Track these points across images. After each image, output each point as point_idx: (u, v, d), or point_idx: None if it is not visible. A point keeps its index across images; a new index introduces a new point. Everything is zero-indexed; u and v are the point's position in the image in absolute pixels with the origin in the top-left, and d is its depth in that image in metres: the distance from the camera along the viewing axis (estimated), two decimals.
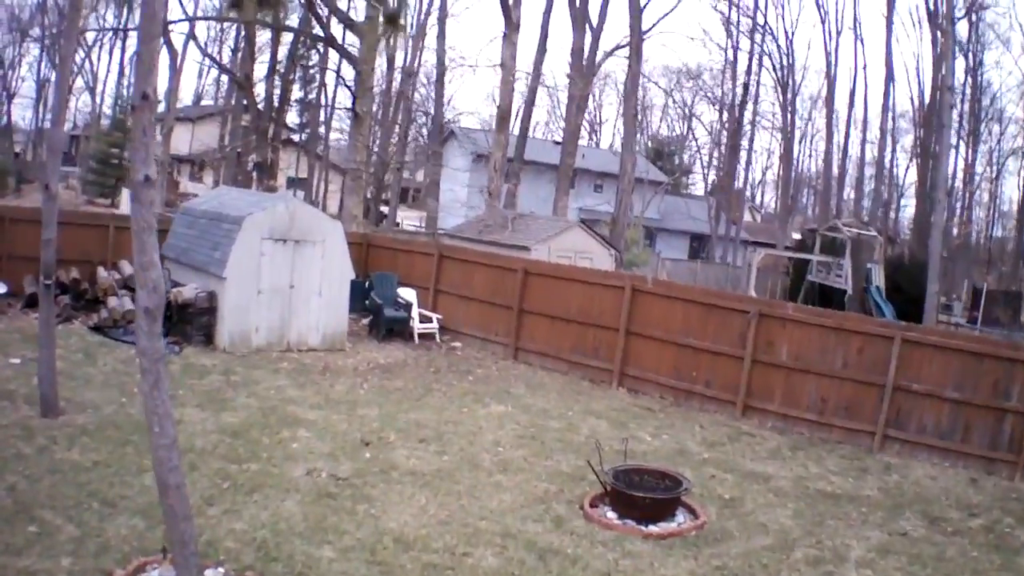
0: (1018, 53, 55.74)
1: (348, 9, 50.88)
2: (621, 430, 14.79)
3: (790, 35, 56.26)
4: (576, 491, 11.36)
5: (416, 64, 54.45)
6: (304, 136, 61.79)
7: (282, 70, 45.79)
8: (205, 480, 10.07)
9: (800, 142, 64.81)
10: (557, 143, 56.73)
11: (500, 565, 8.88)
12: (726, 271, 48.93)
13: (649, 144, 76.91)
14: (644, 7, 40.57)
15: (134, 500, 9.33)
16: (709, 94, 66.55)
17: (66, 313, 18.42)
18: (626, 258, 31.14)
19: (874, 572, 9.77)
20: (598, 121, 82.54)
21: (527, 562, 9.02)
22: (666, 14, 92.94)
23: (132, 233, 6.93)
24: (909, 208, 65.54)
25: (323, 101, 59.99)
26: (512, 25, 33.30)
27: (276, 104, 45.28)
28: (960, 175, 55.11)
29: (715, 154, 72.75)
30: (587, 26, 41.11)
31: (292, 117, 56.50)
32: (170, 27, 46.48)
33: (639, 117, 45.25)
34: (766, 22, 56.09)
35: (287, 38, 45.94)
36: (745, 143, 61.08)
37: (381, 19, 29.38)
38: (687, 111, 72.89)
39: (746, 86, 57.03)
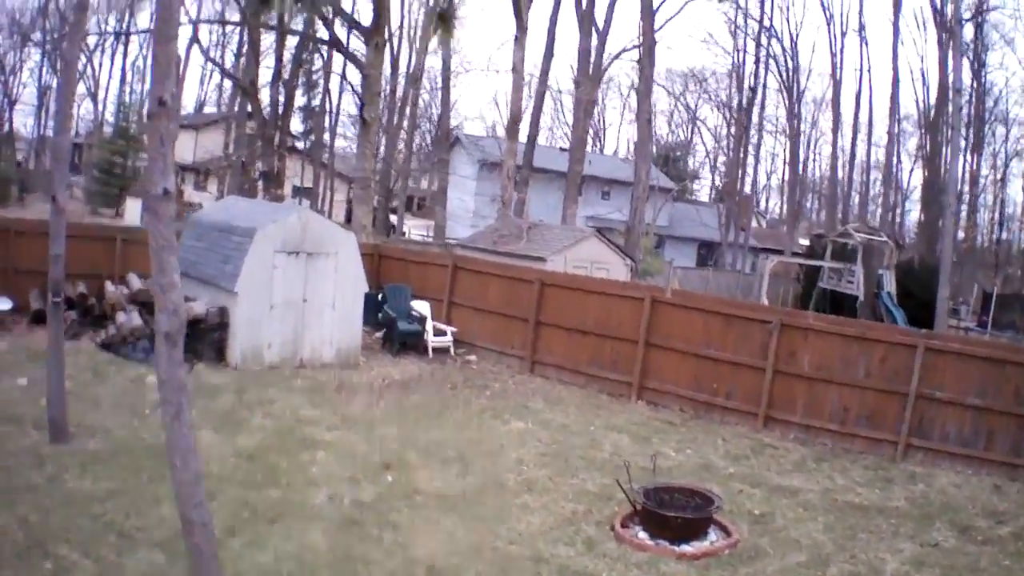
0: (1022, 53, 55.63)
1: (352, 11, 50.69)
2: (644, 445, 14.55)
3: (795, 37, 55.94)
4: (605, 511, 11.10)
5: (420, 69, 54.09)
6: (308, 144, 61.57)
7: (287, 75, 45.43)
8: (225, 509, 9.72)
9: (806, 146, 64.49)
10: (563, 150, 56.46)
11: None
12: (737, 278, 48.65)
13: (654, 150, 76.56)
14: (657, 9, 40.21)
15: (152, 532, 9.01)
16: (714, 98, 66.34)
17: (73, 330, 18.00)
18: (640, 267, 30.79)
19: None
20: (602, 127, 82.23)
21: None
22: (671, 17, 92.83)
23: (150, 251, 6.65)
24: (913, 212, 65.54)
25: (327, 107, 59.84)
26: (523, 28, 32.97)
27: (281, 110, 44.98)
28: (966, 178, 54.80)
29: (720, 159, 72.62)
30: (593, 29, 40.73)
31: (295, 124, 56.26)
32: None
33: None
34: (771, 25, 55.86)
35: (291, 42, 45.65)
36: (752, 147, 60.78)
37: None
38: (692, 116, 72.60)
39: (753, 89, 56.77)
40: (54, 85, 69.65)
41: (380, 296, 21.60)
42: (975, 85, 51.36)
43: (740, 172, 60.32)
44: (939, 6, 47.41)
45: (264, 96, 44.99)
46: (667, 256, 51.98)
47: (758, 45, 56.26)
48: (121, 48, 66.54)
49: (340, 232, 19.64)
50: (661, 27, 44.63)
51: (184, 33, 77.13)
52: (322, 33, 40.30)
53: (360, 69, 30.22)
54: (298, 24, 38.64)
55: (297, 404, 15.14)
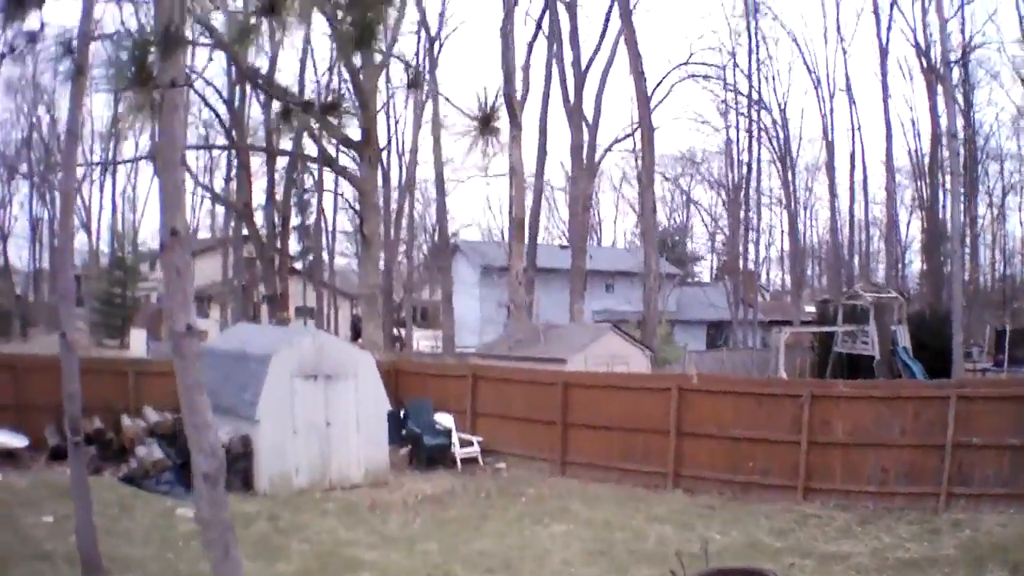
0: (1009, 85, 56.00)
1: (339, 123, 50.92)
2: (688, 532, 14.38)
3: (783, 106, 56.27)
4: None
5: (412, 179, 54.50)
6: (307, 263, 61.77)
7: (280, 195, 45.69)
8: None
9: (804, 211, 64.76)
10: (563, 247, 56.49)
11: None
12: (751, 355, 48.46)
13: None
14: (652, 96, 40.58)
15: None
16: (709, 178, 66.74)
17: (94, 464, 17.67)
18: (659, 356, 30.69)
19: None
20: (597, 219, 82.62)
21: None
22: (660, 101, 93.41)
23: (179, 390, 6.54)
24: (914, 263, 65.52)
25: (323, 225, 60.11)
26: (518, 126, 33.25)
27: (279, 231, 45.17)
28: (965, 220, 54.76)
29: (718, 238, 72.72)
30: (583, 123, 41.01)
31: (292, 244, 56.43)
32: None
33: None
34: (760, 97, 56.28)
35: (282, 162, 46.03)
36: (752, 222, 60.94)
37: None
38: (686, 198, 72.99)
39: (748, 165, 57.15)
40: (45, 217, 69.64)
41: (402, 413, 21.48)
42: (965, 126, 51.65)
43: (743, 249, 60.41)
44: (925, 52, 47.79)
45: (258, 218, 45.23)
46: (678, 341, 51.79)
47: (750, 120, 56.74)
48: (109, 178, 66.60)
49: (357, 352, 19.67)
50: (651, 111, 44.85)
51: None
52: (311, 150, 40.81)
53: (355, 185, 30.40)
54: (286, 143, 39.05)
55: (333, 526, 14.93)
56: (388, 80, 49.30)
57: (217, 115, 42.91)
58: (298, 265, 58.87)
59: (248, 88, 41.42)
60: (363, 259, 30.35)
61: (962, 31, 47.87)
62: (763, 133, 57.22)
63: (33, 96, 64.08)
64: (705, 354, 49.31)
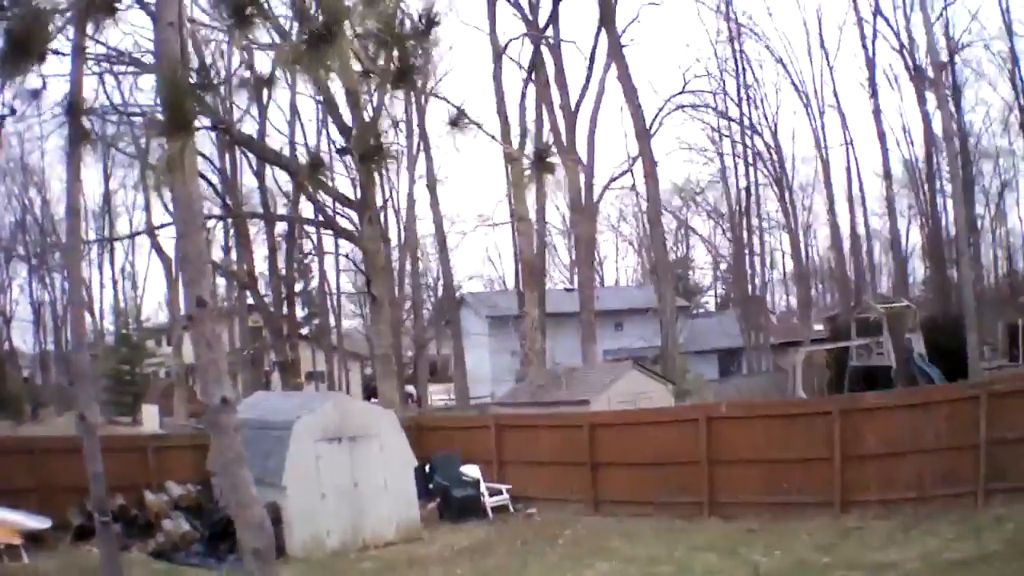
0: (996, 82, 56.26)
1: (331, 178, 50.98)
2: (733, 558, 14.24)
3: (774, 128, 56.31)
4: None
5: (412, 236, 54.55)
6: (314, 328, 61.59)
7: (282, 261, 45.64)
8: None
9: (804, 232, 64.66)
10: (568, 290, 56.48)
11: None
12: (768, 378, 48.30)
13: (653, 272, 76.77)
14: (652, 132, 40.54)
15: None
16: (707, 208, 66.75)
17: (120, 542, 17.51)
18: (680, 389, 30.48)
19: None
20: (598, 260, 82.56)
21: None
22: (650, 136, 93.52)
23: (220, 467, 6.40)
24: (917, 270, 65.47)
25: (325, 289, 60.11)
26: (520, 173, 33.22)
27: (285, 297, 45.06)
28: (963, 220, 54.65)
29: (721, 266, 72.64)
30: (579, 165, 40.96)
31: (297, 310, 56.34)
32: (157, 233, 46.71)
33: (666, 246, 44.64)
34: (752, 123, 56.41)
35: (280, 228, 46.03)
36: (755, 247, 60.93)
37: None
38: (687, 229, 72.92)
39: (747, 190, 57.15)
40: (47, 299, 69.99)
41: (427, 467, 21.32)
42: (957, 128, 51.74)
43: (750, 274, 60.36)
44: (912, 57, 47.89)
45: (260, 286, 45.19)
46: (691, 372, 51.60)
47: (744, 146, 56.86)
48: (107, 256, 66.19)
49: (379, 412, 19.64)
50: (637, 158, 44.84)
51: (170, 231, 77.52)
52: (308, 212, 40.78)
53: (359, 246, 30.30)
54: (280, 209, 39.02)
55: None
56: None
57: (211, 184, 42.90)
58: (305, 331, 58.82)
59: (240, 157, 41.58)
60: (374, 319, 30.12)
61: (946, 34, 47.98)
62: (757, 157, 57.37)
63: (23, 179, 64.49)
64: (722, 383, 49.08)
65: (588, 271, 43.34)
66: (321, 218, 35.78)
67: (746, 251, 59.65)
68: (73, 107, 9.62)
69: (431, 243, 60.35)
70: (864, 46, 52.08)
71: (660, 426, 19.28)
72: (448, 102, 36.41)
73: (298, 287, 55.17)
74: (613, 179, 46.09)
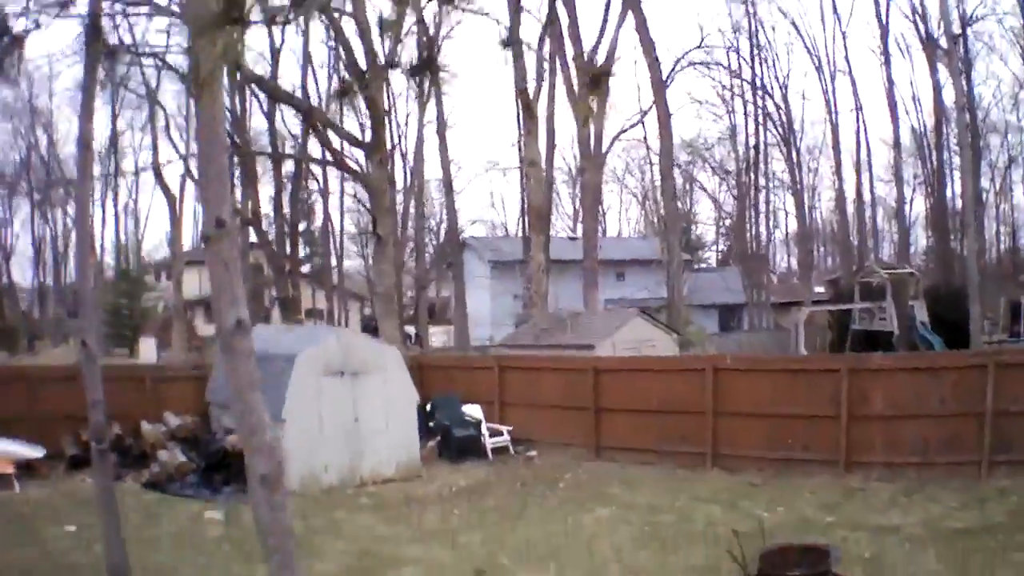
0: (1008, 57, 55.72)
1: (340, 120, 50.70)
2: (735, 511, 14.16)
3: (785, 89, 55.91)
4: None
5: (419, 179, 54.33)
6: (315, 267, 61.51)
7: (287, 201, 45.51)
8: None
9: (809, 193, 64.37)
10: (572, 238, 56.24)
11: None
12: (770, 336, 48.26)
13: (658, 224, 76.36)
14: (668, 83, 40.06)
15: None
16: (713, 164, 66.34)
17: (114, 472, 17.45)
18: (683, 340, 30.42)
19: None
20: (601, 210, 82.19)
21: None
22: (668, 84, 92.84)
23: (233, 391, 6.18)
24: (919, 239, 65.41)
25: (328, 229, 59.99)
26: (534, 119, 33.02)
27: (287, 235, 44.96)
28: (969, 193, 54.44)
29: (726, 222, 72.33)
30: (589, 112, 40.57)
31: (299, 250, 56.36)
32: (162, 167, 46.54)
33: (676, 199, 44.13)
34: (762, 83, 56.03)
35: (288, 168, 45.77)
36: (761, 206, 60.74)
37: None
38: (692, 184, 72.57)
39: (756, 148, 56.82)
40: (47, 236, 70.70)
41: (428, 407, 21.23)
42: (966, 100, 51.41)
43: (754, 231, 60.19)
44: (925, 27, 47.46)
45: (264, 224, 45.10)
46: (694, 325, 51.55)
47: (755, 106, 56.50)
48: (111, 194, 65.88)
49: (383, 348, 19.44)
50: (649, 109, 44.40)
51: (175, 169, 77.21)
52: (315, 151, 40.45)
53: (366, 186, 30.15)
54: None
55: (369, 523, 14.61)
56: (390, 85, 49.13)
57: None
58: (305, 269, 58.78)
59: (250, 99, 41.38)
60: (377, 258, 30.04)
61: (959, 6, 47.50)
62: (767, 117, 57.04)
63: (31, 118, 64.39)
64: (722, 337, 49.06)
65: (593, 219, 42.99)
66: (330, 158, 35.47)
67: (751, 208, 59.47)
68: (92, 18, 9.42)
69: (436, 188, 60.38)
70: (877, 14, 51.66)
71: (666, 375, 19.17)
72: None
73: (301, 227, 55.09)
74: (623, 131, 45.79)
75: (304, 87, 45.28)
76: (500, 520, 14.47)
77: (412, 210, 56.43)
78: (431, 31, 40.20)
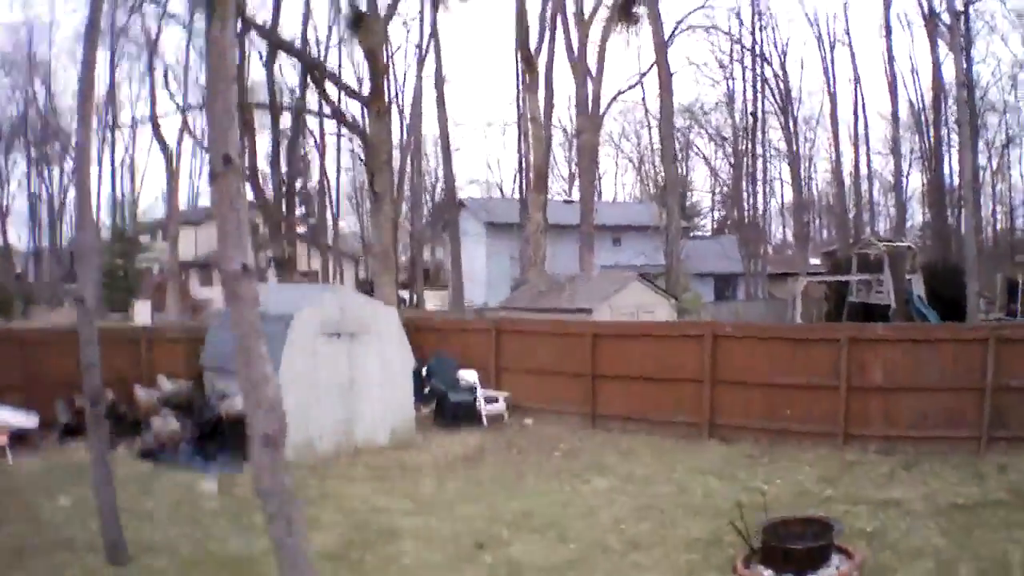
0: (1008, 37, 55.39)
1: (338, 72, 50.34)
2: (733, 483, 14.10)
3: (783, 57, 55.72)
4: (720, 555, 10.49)
5: (417, 136, 54.00)
6: (310, 226, 61.21)
7: (284, 156, 45.12)
8: None
9: (806, 165, 64.23)
10: (567, 202, 56.06)
11: None
12: (766, 305, 48.23)
13: (652, 189, 76.02)
14: (669, 42, 39.70)
15: None
16: (710, 130, 66.05)
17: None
18: (680, 307, 30.25)
19: None
20: (597, 175, 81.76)
21: None
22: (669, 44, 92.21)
23: (236, 340, 5.99)
24: (915, 215, 65.34)
25: (324, 187, 59.63)
26: (535, 74, 32.68)
27: (284, 192, 44.64)
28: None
29: (721, 190, 72.14)
30: (587, 75, 40.21)
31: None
32: (159, 121, 46.18)
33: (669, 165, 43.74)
34: (761, 50, 55.77)
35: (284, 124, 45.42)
36: (757, 174, 60.54)
37: None
38: (688, 150, 72.24)
39: (754, 115, 56.59)
40: (44, 195, 70.19)
41: (423, 370, 20.97)
42: (966, 78, 51.23)
43: (751, 200, 60.03)
44: (929, 4, 47.17)
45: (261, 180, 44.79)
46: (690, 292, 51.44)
47: (753, 72, 56.22)
48: (107, 149, 65.21)
49: (380, 308, 19.04)
50: (649, 69, 44.01)
51: (172, 123, 76.59)
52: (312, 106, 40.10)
53: (364, 140, 29.88)
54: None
55: (365, 493, 14.36)
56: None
57: None
58: (301, 228, 58.46)
59: (248, 49, 40.90)
60: (374, 215, 29.78)
61: None
62: (765, 84, 56.82)
63: (29, 71, 63.59)
64: (717, 306, 48.96)
65: (589, 182, 42.72)
66: (328, 110, 35.13)
67: (747, 176, 59.31)
68: None
69: (432, 144, 59.98)
70: None
71: (665, 341, 18.88)
72: None
73: (297, 185, 54.72)
74: (621, 92, 45.45)
75: (304, 37, 44.97)
76: (497, 490, 14.31)
77: (409, 168, 56.12)
78: None
